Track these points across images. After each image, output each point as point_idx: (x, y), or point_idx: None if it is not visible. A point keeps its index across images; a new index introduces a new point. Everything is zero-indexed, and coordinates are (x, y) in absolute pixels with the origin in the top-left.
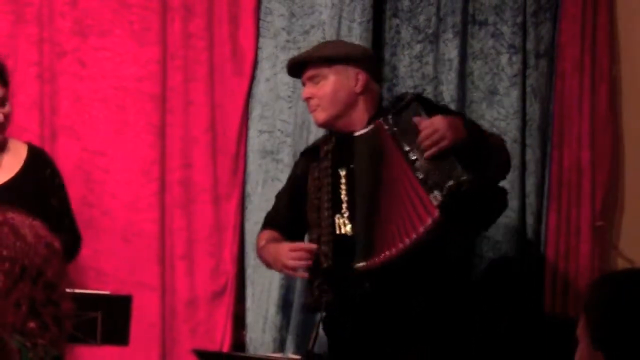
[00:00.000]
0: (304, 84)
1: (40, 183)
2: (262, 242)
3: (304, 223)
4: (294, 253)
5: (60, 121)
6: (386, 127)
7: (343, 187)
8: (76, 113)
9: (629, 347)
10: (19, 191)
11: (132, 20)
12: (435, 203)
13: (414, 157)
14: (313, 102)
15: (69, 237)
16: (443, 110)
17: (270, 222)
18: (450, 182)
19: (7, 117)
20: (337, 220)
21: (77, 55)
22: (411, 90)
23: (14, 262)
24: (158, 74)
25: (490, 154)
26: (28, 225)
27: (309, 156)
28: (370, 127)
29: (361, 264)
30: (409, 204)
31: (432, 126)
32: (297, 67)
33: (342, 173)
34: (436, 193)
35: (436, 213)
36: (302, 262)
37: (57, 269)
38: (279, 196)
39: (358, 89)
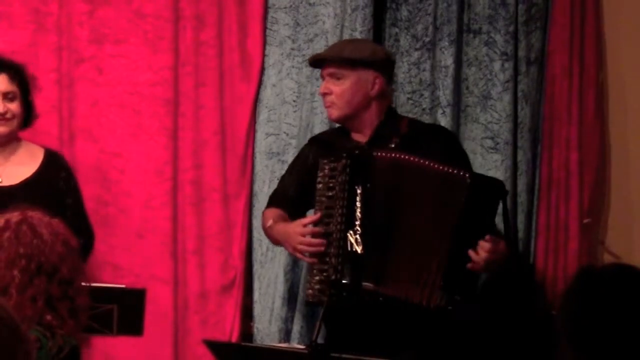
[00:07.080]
0: (323, 78)
1: (55, 184)
2: (270, 222)
3: (308, 206)
4: (305, 239)
5: (78, 124)
6: (466, 193)
7: (358, 204)
8: (93, 117)
9: (590, 339)
10: (35, 191)
11: (147, 29)
12: (436, 300)
13: (461, 245)
14: (329, 98)
15: (84, 238)
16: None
17: (275, 200)
18: (458, 297)
19: (13, 114)
20: (349, 237)
21: (94, 62)
22: (410, 94)
23: (30, 259)
24: (171, 80)
25: None
26: (46, 224)
27: (319, 150)
28: (437, 166)
29: (370, 286)
30: (423, 267)
31: (495, 252)
32: (319, 61)
33: (359, 190)
34: (443, 296)
35: (431, 306)
36: (313, 249)
37: (72, 265)
38: (284, 178)
39: (374, 93)
